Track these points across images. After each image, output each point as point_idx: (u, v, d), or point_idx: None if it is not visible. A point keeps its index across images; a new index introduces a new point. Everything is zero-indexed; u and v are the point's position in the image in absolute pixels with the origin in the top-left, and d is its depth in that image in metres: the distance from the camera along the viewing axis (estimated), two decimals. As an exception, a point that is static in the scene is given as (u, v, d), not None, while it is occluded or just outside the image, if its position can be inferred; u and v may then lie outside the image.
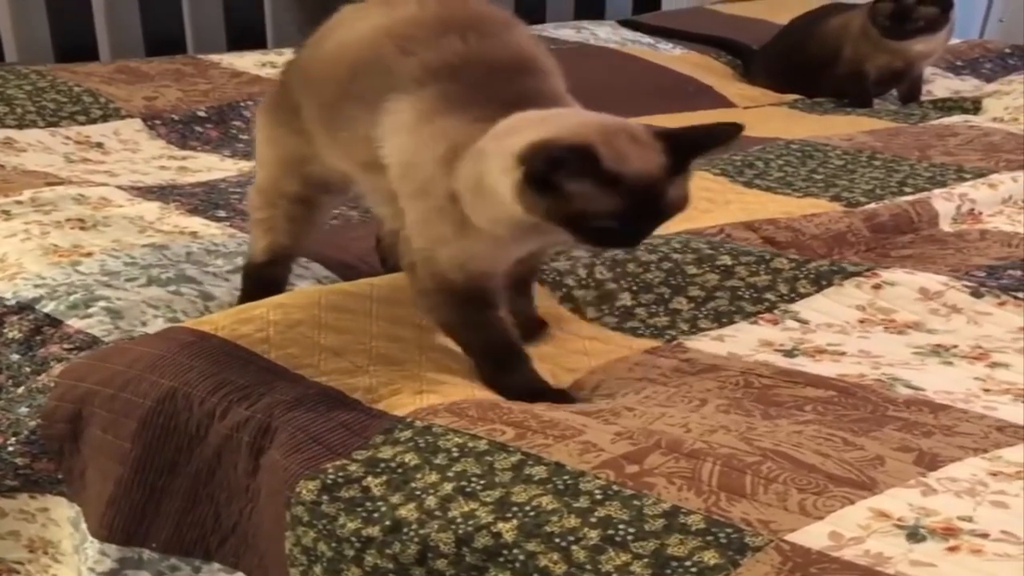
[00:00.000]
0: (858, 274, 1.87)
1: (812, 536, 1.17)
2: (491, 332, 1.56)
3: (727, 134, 1.44)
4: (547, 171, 1.35)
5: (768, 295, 1.82)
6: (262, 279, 1.81)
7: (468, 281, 1.53)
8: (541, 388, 1.54)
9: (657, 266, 1.86)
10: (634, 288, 1.82)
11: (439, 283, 1.53)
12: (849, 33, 3.50)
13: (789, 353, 1.67)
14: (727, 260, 1.88)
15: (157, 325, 1.79)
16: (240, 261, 1.97)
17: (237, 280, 1.91)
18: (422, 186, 1.49)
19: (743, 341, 1.71)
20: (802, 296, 1.83)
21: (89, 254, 2.01)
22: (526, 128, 1.41)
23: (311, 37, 1.71)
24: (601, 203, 1.36)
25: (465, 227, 1.47)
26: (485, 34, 1.55)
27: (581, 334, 1.75)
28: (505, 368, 1.56)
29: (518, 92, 1.49)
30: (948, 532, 1.16)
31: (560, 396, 1.53)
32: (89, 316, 1.80)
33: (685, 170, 1.41)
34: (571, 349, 1.71)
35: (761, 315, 1.79)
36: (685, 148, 1.41)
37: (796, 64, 3.60)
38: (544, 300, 1.79)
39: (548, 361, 1.64)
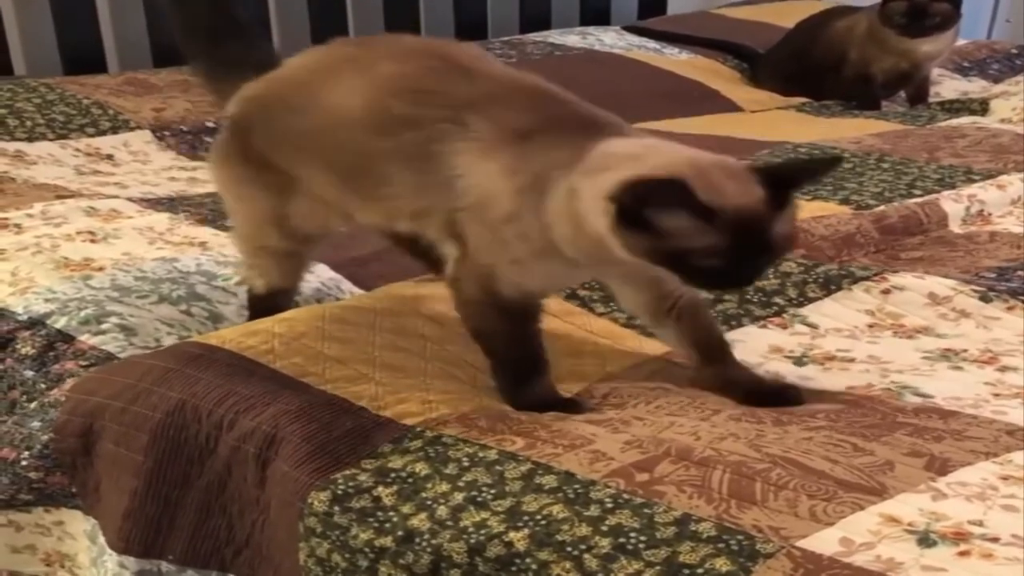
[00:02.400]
0: (867, 278, 1.87)
1: (823, 542, 1.17)
2: (524, 345, 1.56)
3: (825, 166, 1.45)
4: (639, 208, 1.34)
5: (777, 299, 1.83)
6: (268, 309, 1.80)
7: (524, 298, 1.54)
8: (552, 400, 1.54)
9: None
10: None
11: (491, 296, 1.53)
12: (854, 36, 3.50)
13: (799, 360, 1.68)
14: None
15: (171, 343, 1.80)
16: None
17: (244, 294, 1.92)
18: (502, 215, 1.47)
19: (752, 347, 1.71)
20: (811, 300, 1.83)
21: (100, 268, 2.01)
22: (616, 164, 1.39)
23: (265, 103, 1.68)
24: (700, 239, 1.33)
25: (542, 254, 1.46)
26: (482, 70, 1.57)
27: (591, 328, 1.75)
28: (524, 380, 1.56)
29: (572, 115, 1.51)
30: (959, 537, 1.16)
31: (571, 406, 1.53)
32: (103, 332, 1.81)
33: (787, 204, 1.38)
34: (584, 351, 1.71)
35: (770, 319, 1.80)
36: (783, 181, 1.38)
37: (803, 67, 3.60)
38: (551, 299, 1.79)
39: (560, 365, 1.64)
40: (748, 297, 1.83)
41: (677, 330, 1.59)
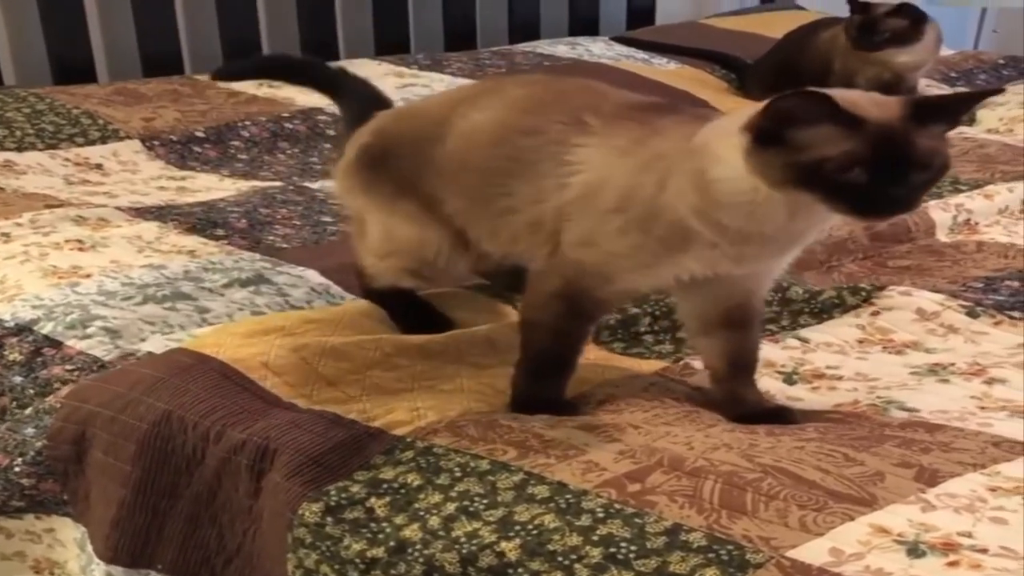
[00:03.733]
0: (856, 306, 1.87)
1: (813, 552, 1.17)
2: (569, 345, 1.59)
3: (977, 97, 1.56)
4: (780, 126, 1.32)
5: (771, 326, 1.82)
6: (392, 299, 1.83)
7: (608, 296, 1.57)
8: (555, 402, 1.56)
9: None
10: (656, 313, 1.83)
11: (574, 291, 1.54)
12: (837, 46, 3.52)
13: (788, 378, 1.69)
14: None
15: (155, 341, 1.80)
16: (236, 275, 1.99)
17: (232, 294, 1.93)
18: (613, 201, 1.48)
19: None
20: (803, 326, 1.84)
21: (88, 275, 2.01)
22: (744, 113, 1.39)
23: (404, 137, 1.74)
24: (841, 144, 1.30)
25: (650, 243, 1.47)
26: (603, 89, 1.65)
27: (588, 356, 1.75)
28: (544, 376, 1.58)
29: (682, 111, 1.57)
30: (948, 547, 1.17)
31: (568, 408, 1.55)
32: (88, 337, 1.81)
33: (933, 124, 1.35)
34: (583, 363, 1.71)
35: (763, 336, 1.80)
36: (927, 108, 1.35)
37: (790, 78, 3.58)
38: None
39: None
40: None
41: (722, 340, 1.58)
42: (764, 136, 1.33)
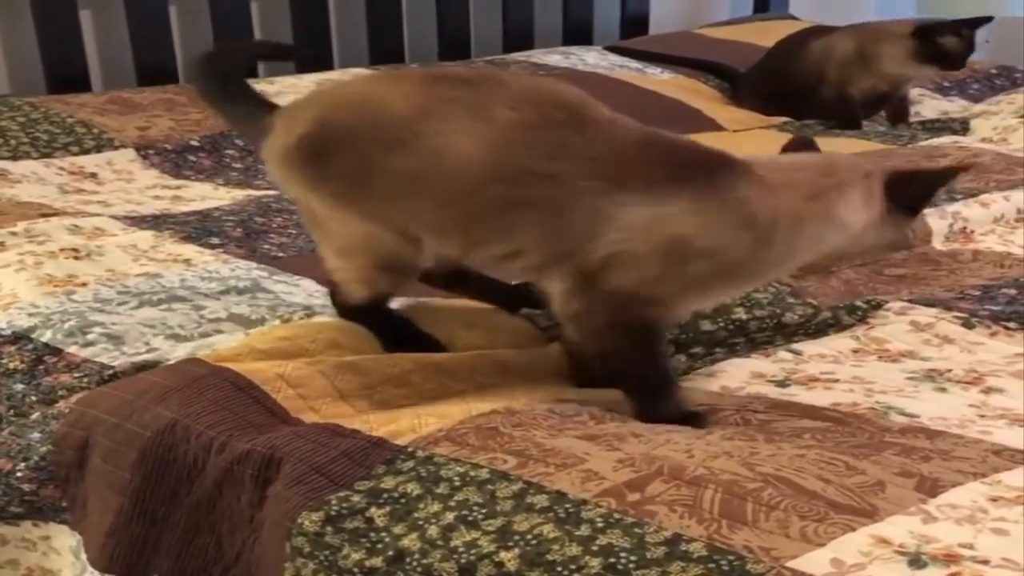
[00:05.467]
0: (851, 325, 1.87)
1: (813, 563, 1.17)
2: (660, 361, 1.63)
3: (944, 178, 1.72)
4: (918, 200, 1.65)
5: (765, 345, 1.82)
6: (367, 315, 1.80)
7: (664, 321, 1.65)
8: (689, 413, 1.58)
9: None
10: None
11: (629, 319, 1.59)
12: (833, 57, 3.53)
13: (781, 383, 1.68)
14: (741, 314, 1.87)
15: (158, 343, 1.80)
16: (233, 283, 1.98)
17: (229, 299, 1.93)
18: (699, 249, 1.56)
19: (734, 375, 1.72)
20: (796, 342, 1.84)
21: (83, 284, 2.01)
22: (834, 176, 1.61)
23: (351, 130, 1.67)
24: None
25: (730, 279, 1.62)
26: (596, 118, 1.63)
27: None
28: (662, 397, 1.60)
29: (703, 153, 1.63)
30: (949, 558, 1.16)
31: (696, 419, 1.57)
32: (91, 344, 1.81)
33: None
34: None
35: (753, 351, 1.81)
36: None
37: (782, 87, 3.62)
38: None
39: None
40: (737, 348, 1.82)
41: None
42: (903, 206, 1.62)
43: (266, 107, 1.81)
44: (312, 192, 1.71)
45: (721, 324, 1.84)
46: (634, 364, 1.62)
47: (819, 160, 1.68)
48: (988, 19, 3.52)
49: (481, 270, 1.82)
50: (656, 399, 1.60)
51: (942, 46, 3.43)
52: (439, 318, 1.83)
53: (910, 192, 1.62)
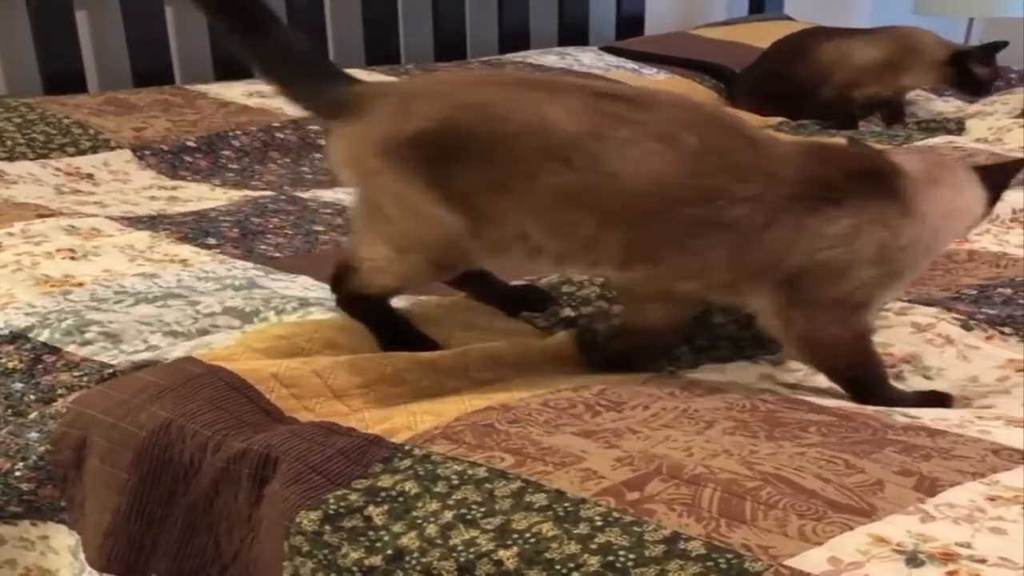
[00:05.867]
0: None
1: (811, 561, 1.17)
2: (872, 352, 1.72)
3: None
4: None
5: (772, 345, 1.82)
6: (374, 308, 1.79)
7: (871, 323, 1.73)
8: (915, 396, 1.68)
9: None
10: None
11: (857, 328, 1.68)
12: (850, 61, 3.54)
13: (791, 388, 1.70)
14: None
15: (156, 341, 1.80)
16: (229, 283, 1.98)
17: (225, 295, 1.93)
18: (894, 251, 1.64)
19: (744, 375, 1.74)
20: None
21: (80, 284, 2.02)
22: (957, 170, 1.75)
23: (482, 138, 1.61)
24: None
25: (896, 282, 1.69)
26: (765, 139, 1.70)
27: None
28: (889, 387, 1.69)
29: (872, 161, 1.73)
30: (947, 557, 1.16)
31: (942, 400, 1.67)
32: (89, 343, 1.81)
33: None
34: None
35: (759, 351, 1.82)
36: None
37: (781, 87, 3.62)
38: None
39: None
40: (742, 345, 1.83)
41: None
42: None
43: (343, 80, 1.74)
44: (408, 185, 1.64)
45: (731, 318, 1.85)
46: (874, 366, 1.69)
47: (934, 157, 1.84)
48: (1004, 44, 3.55)
49: (619, 287, 1.87)
50: (892, 389, 1.68)
51: (976, 76, 3.46)
52: (437, 319, 1.83)
53: (995, 179, 1.74)
